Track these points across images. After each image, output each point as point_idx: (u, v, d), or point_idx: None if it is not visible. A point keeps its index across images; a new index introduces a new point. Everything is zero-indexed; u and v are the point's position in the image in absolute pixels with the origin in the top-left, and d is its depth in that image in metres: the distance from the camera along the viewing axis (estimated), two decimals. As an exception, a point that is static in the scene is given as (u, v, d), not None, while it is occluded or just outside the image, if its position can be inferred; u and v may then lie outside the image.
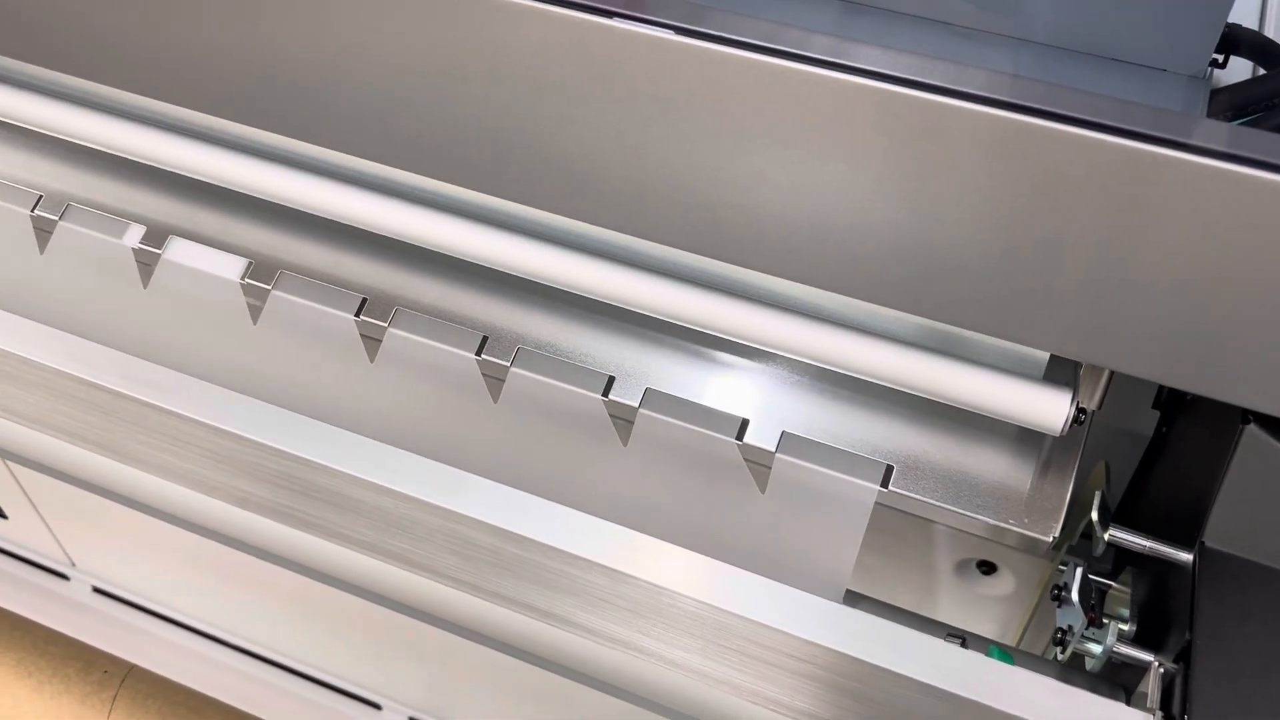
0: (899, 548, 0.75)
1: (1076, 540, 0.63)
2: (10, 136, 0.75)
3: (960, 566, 0.75)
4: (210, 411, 0.57)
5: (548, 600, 0.55)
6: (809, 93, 0.47)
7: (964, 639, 0.56)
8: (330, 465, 0.55)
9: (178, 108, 0.64)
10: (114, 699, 0.76)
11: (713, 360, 0.63)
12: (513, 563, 0.54)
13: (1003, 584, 0.74)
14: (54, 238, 0.68)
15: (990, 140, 0.46)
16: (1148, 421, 0.67)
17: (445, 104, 0.54)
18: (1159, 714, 0.47)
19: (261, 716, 0.81)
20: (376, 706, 1.21)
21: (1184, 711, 0.46)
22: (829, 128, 0.48)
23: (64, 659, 0.79)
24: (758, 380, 0.62)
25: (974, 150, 0.46)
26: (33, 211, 0.68)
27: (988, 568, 0.74)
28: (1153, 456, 0.66)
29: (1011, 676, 0.48)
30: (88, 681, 0.77)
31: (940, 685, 0.48)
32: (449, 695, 1.15)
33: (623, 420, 0.60)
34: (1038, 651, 0.74)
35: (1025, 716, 0.46)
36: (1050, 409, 0.53)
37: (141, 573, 1.23)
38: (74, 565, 1.30)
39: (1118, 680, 0.57)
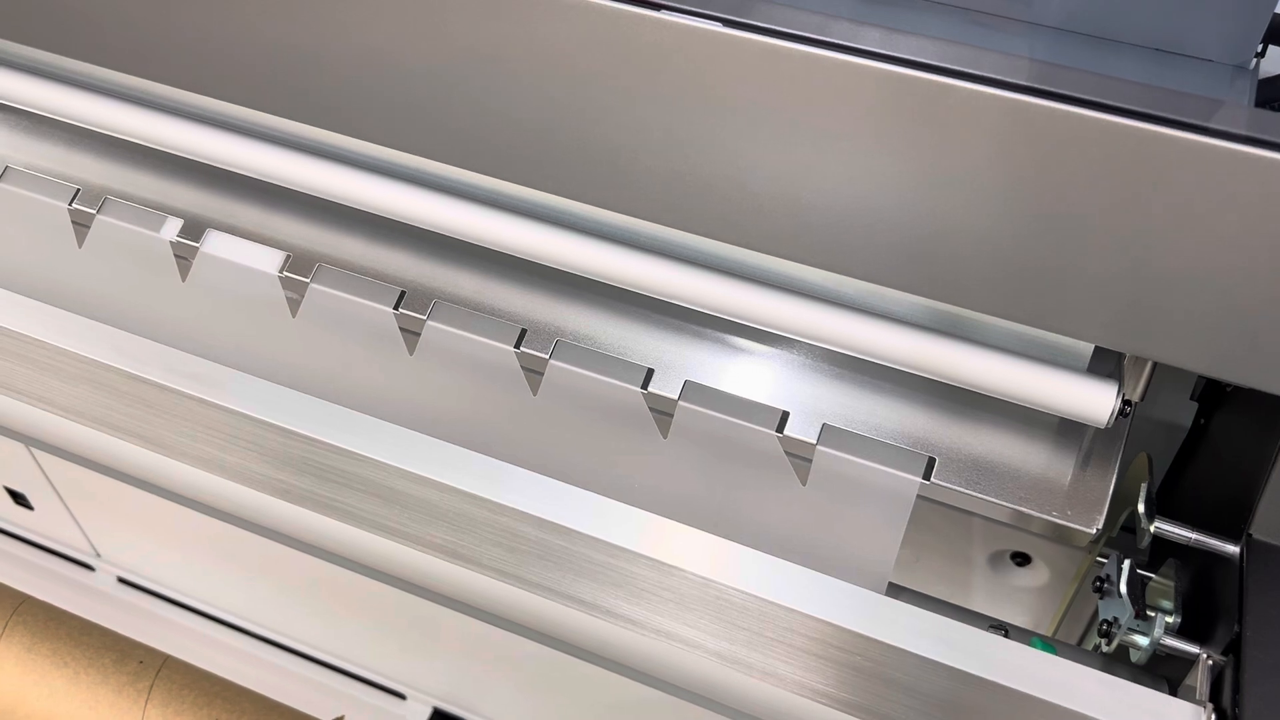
0: (932, 540, 0.75)
1: (1116, 532, 0.63)
2: (48, 130, 0.75)
3: (994, 558, 0.75)
4: (255, 404, 0.57)
5: (593, 592, 0.55)
6: (858, 83, 0.47)
7: (1006, 630, 0.56)
8: (376, 458, 0.55)
9: (214, 100, 0.64)
10: (150, 689, 0.77)
11: (750, 353, 0.63)
12: (559, 555, 0.54)
13: (1037, 575, 0.74)
14: (92, 231, 0.68)
15: (1038, 132, 0.46)
16: (1180, 412, 0.67)
17: (485, 95, 0.54)
18: (1209, 707, 0.47)
19: (294, 706, 0.82)
20: (401, 696, 1.22)
21: (1235, 704, 0.46)
22: (876, 118, 0.48)
23: (99, 650, 0.80)
24: (794, 372, 0.62)
25: (1022, 142, 0.46)
26: (70, 205, 0.69)
27: (1022, 559, 0.75)
28: (1190, 448, 0.66)
29: (1060, 669, 0.48)
30: (123, 672, 0.78)
31: (988, 677, 0.48)
32: (473, 684, 1.15)
33: (662, 413, 0.61)
34: (1071, 643, 0.74)
35: (1076, 709, 0.46)
36: (1096, 401, 0.53)
37: (167, 563, 1.24)
38: (99, 556, 1.31)
39: (1159, 672, 0.57)
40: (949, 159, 0.47)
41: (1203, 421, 0.65)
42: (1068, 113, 0.45)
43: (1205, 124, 0.44)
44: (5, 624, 0.80)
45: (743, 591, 0.51)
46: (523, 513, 0.53)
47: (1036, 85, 0.46)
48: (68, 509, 1.20)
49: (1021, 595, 0.76)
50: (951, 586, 0.77)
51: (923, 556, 0.76)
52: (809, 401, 0.61)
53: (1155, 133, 0.44)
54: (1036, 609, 0.76)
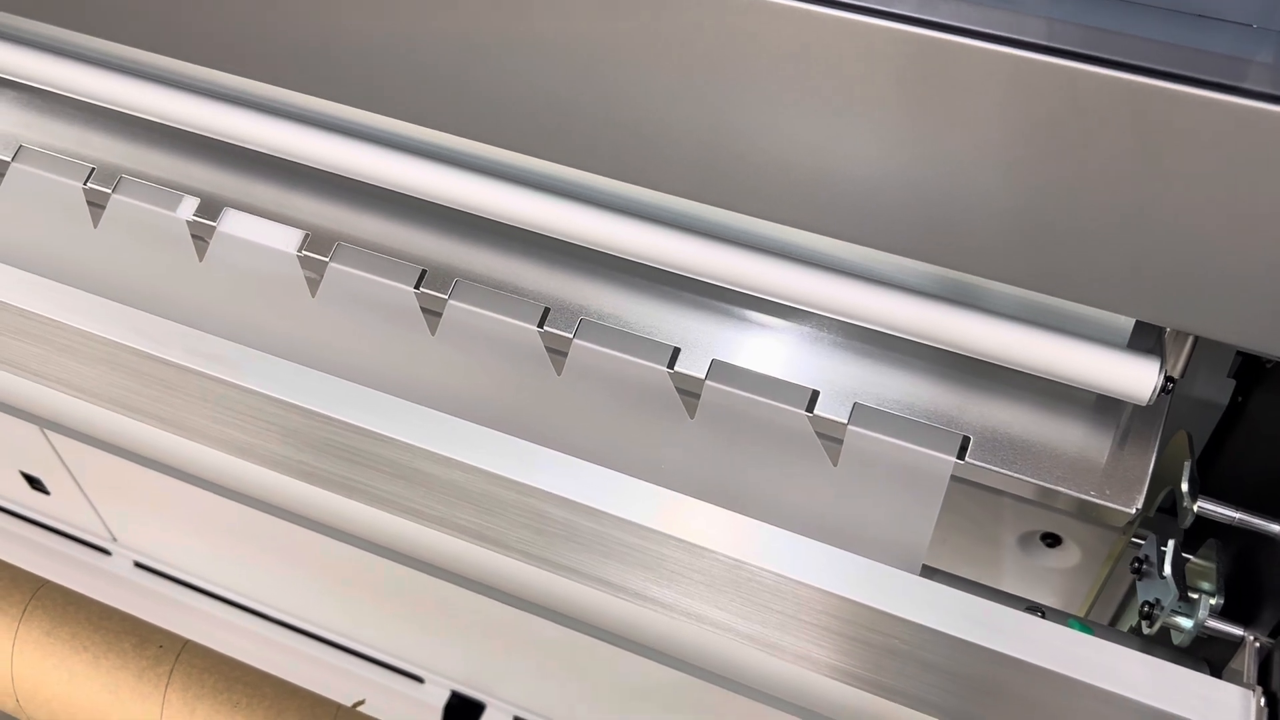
0: (961, 521, 0.74)
1: (1153, 512, 0.61)
2: (60, 109, 0.74)
3: (1024, 539, 0.74)
4: (277, 385, 0.56)
5: (621, 575, 0.54)
6: (891, 46, 0.45)
7: (1043, 612, 0.55)
8: (401, 439, 0.54)
9: (228, 75, 0.63)
10: (170, 673, 0.76)
11: (776, 330, 0.62)
12: (586, 537, 0.53)
13: (1068, 557, 0.73)
14: (107, 211, 0.67)
15: (1079, 96, 0.44)
16: (1216, 391, 0.66)
17: (506, 66, 0.53)
18: (1258, 690, 0.46)
19: (312, 689, 0.81)
20: (419, 679, 1.22)
21: (1284, 687, 0.45)
22: (907, 82, 0.46)
23: (118, 634, 0.79)
24: (822, 350, 0.61)
25: (1063, 107, 0.45)
26: (85, 184, 0.68)
27: (1052, 540, 0.73)
28: (1228, 427, 0.65)
29: (1102, 651, 0.47)
30: (143, 656, 0.77)
31: (1029, 660, 0.47)
32: (492, 668, 1.15)
33: (689, 393, 0.59)
34: (1103, 625, 0.73)
35: (1121, 692, 0.45)
36: (1138, 377, 0.51)
37: (183, 547, 1.23)
38: (115, 540, 1.30)
39: (1199, 655, 0.56)
40: (987, 126, 0.46)
41: (1240, 399, 0.64)
42: (1114, 78, 0.44)
43: (1254, 88, 0.43)
44: (24, 608, 0.80)
45: (775, 573, 0.50)
46: (550, 494, 0.52)
47: (1073, 48, 0.44)
48: (84, 493, 1.20)
49: (1052, 577, 0.75)
50: (980, 568, 0.76)
51: (951, 538, 0.75)
52: (838, 380, 0.60)
53: (1205, 98, 0.43)
54: (1067, 591, 0.75)
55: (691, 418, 0.59)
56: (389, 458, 0.55)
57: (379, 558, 0.84)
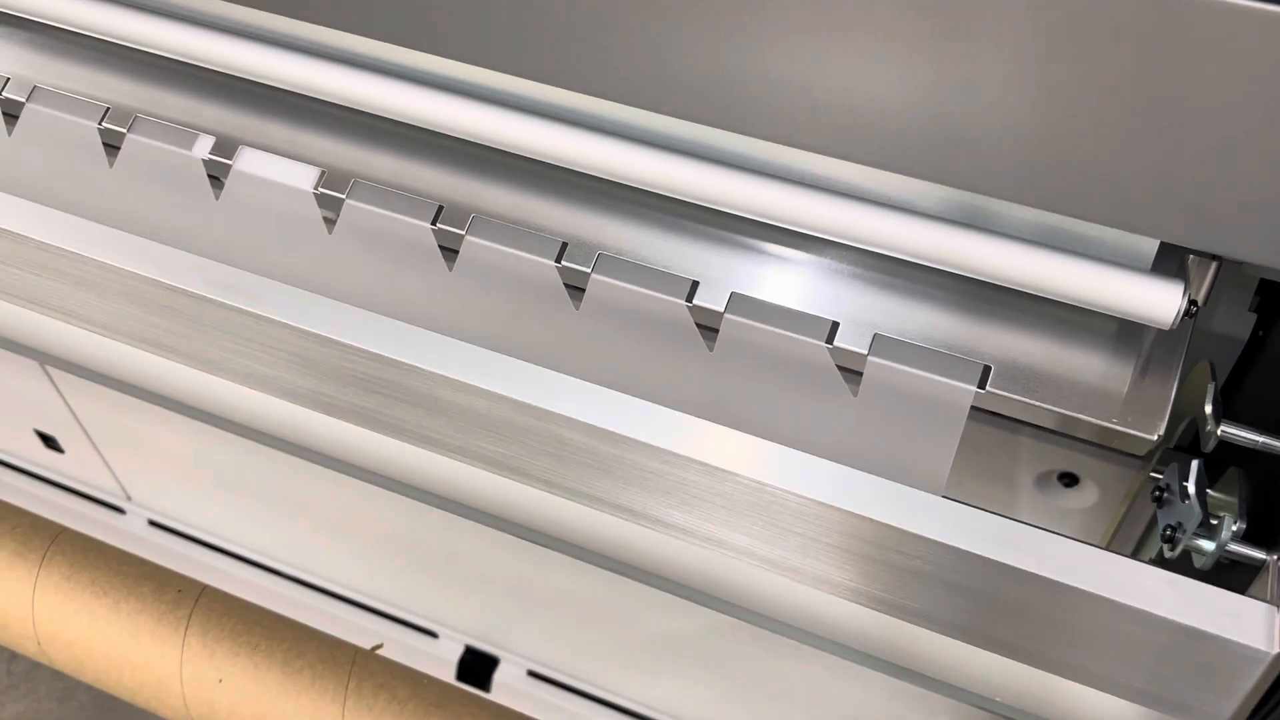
0: (979, 461, 0.74)
1: (1173, 444, 0.61)
2: (75, 50, 0.73)
3: (1041, 479, 0.74)
4: (297, 314, 0.56)
5: (642, 501, 0.54)
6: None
7: (1064, 541, 0.55)
8: (421, 366, 0.54)
9: (233, 6, 0.63)
10: (189, 616, 0.77)
11: (790, 260, 0.62)
12: (607, 462, 0.53)
13: (1086, 496, 0.73)
14: (122, 151, 0.67)
15: (1103, 5, 0.44)
16: (1236, 324, 0.66)
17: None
18: (1282, 607, 0.46)
19: (333, 633, 0.81)
20: (433, 635, 1.22)
21: (1308, 604, 0.45)
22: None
23: (137, 579, 0.80)
24: (838, 280, 0.61)
25: (1083, 16, 0.44)
26: (100, 124, 0.67)
27: (1069, 480, 0.73)
28: (1248, 360, 0.64)
29: (1129, 569, 0.47)
30: (163, 600, 0.78)
31: (1056, 578, 0.47)
32: (506, 621, 1.15)
33: (708, 327, 0.59)
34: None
35: (1149, 609, 0.45)
36: (1162, 300, 0.51)
37: (198, 503, 1.24)
38: (130, 499, 1.31)
39: (1220, 581, 0.56)
40: (1007, 39, 0.45)
41: (1261, 333, 0.63)
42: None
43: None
44: (44, 554, 0.80)
45: (799, 495, 0.50)
46: (571, 419, 0.52)
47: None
48: (97, 450, 1.20)
49: (1069, 517, 0.75)
50: (997, 508, 0.76)
51: (966, 481, 0.75)
52: (857, 312, 0.60)
53: (1231, 5, 0.42)
54: (1084, 531, 0.75)
55: (711, 350, 0.59)
56: (409, 386, 0.55)
57: (394, 496, 0.84)
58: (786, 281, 0.61)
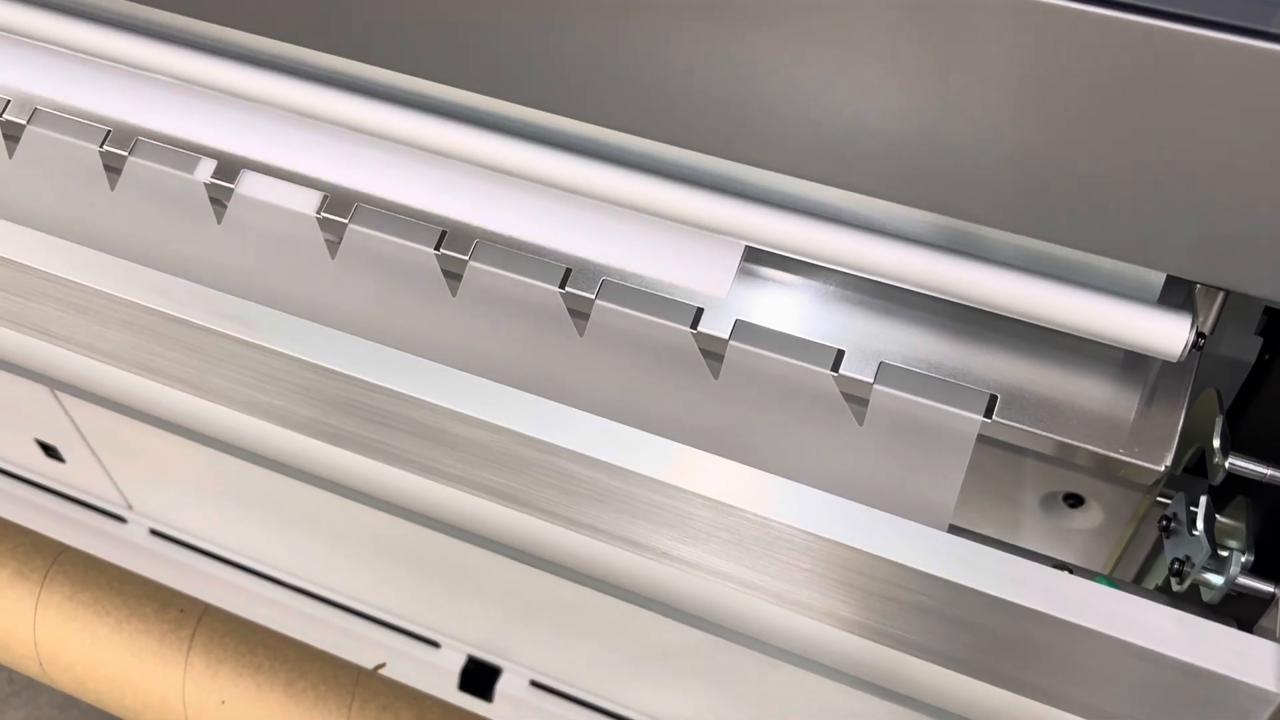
0: (984, 482, 0.74)
1: (1179, 471, 0.61)
2: (76, 73, 0.73)
3: (1046, 500, 0.74)
4: (301, 346, 0.56)
5: (646, 534, 0.54)
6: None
7: (1070, 571, 0.55)
8: (425, 399, 0.54)
9: (238, 33, 0.62)
10: (191, 637, 0.77)
11: (798, 289, 0.61)
12: (612, 496, 0.53)
13: (1091, 518, 0.73)
14: (123, 174, 0.67)
15: (1110, 44, 0.44)
16: (1242, 348, 0.65)
17: (525, 22, 0.52)
18: (1291, 644, 0.46)
19: (335, 644, 0.81)
20: (435, 645, 1.22)
21: (1317, 642, 0.45)
22: (943, 31, 0.45)
23: (140, 599, 0.79)
24: (845, 308, 0.61)
25: (1091, 55, 0.44)
26: (101, 147, 0.67)
27: (1075, 501, 0.73)
28: (1255, 384, 0.64)
29: (1135, 607, 0.47)
30: (165, 620, 0.78)
31: (1062, 616, 0.47)
32: (508, 633, 1.15)
33: (712, 354, 0.59)
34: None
35: (1155, 648, 0.45)
36: (1170, 333, 0.51)
37: (199, 514, 1.24)
38: (131, 508, 1.31)
39: (1227, 612, 0.55)
40: (1014, 74, 0.45)
41: (1268, 357, 0.63)
42: (1142, 23, 0.43)
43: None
44: (46, 573, 0.80)
45: (804, 531, 0.50)
46: (576, 452, 0.52)
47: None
48: (99, 460, 1.20)
49: (1074, 538, 0.74)
50: (1002, 529, 0.76)
51: (972, 500, 0.75)
52: (862, 340, 0.59)
53: (1233, 42, 0.42)
54: (1089, 552, 0.75)
55: (715, 378, 0.59)
56: (413, 418, 0.55)
57: (396, 519, 0.84)
58: (792, 308, 0.61)
